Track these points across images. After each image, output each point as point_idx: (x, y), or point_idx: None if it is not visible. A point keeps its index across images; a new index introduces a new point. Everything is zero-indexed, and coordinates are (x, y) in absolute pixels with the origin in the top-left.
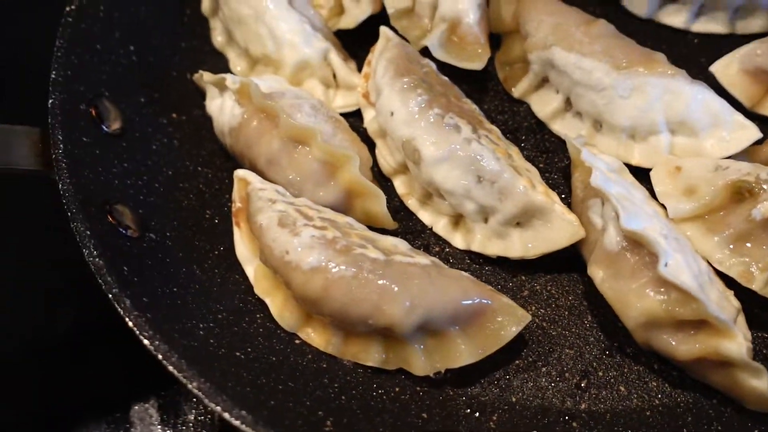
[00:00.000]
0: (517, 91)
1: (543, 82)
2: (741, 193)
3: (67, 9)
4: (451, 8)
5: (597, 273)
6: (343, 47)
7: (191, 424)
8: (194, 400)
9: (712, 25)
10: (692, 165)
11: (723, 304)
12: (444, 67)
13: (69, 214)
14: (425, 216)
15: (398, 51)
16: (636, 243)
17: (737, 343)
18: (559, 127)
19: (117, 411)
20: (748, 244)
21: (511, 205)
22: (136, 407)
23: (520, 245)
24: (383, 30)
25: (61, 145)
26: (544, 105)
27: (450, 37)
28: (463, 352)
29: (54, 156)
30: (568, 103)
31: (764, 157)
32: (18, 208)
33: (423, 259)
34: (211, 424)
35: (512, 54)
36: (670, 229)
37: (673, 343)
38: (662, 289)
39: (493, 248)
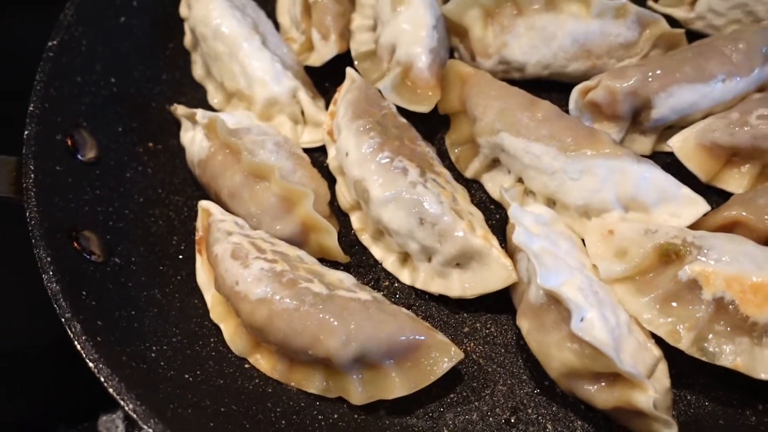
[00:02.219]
0: (469, 172)
1: (494, 162)
2: (669, 256)
3: (49, 44)
4: (406, 53)
5: (523, 324)
6: (314, 84)
7: None
8: None
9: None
10: (624, 228)
11: (640, 356)
12: (404, 110)
13: (33, 240)
14: (377, 251)
15: (359, 93)
16: (554, 298)
17: (647, 396)
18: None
19: (85, 421)
20: (674, 304)
21: (450, 247)
22: (104, 417)
23: (458, 285)
24: (349, 71)
25: (32, 175)
26: (497, 185)
27: (403, 80)
28: (397, 385)
29: (24, 185)
30: (520, 181)
31: (713, 225)
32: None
33: (365, 294)
34: None
35: (462, 135)
36: (591, 282)
37: (592, 391)
38: (578, 345)
39: (435, 286)
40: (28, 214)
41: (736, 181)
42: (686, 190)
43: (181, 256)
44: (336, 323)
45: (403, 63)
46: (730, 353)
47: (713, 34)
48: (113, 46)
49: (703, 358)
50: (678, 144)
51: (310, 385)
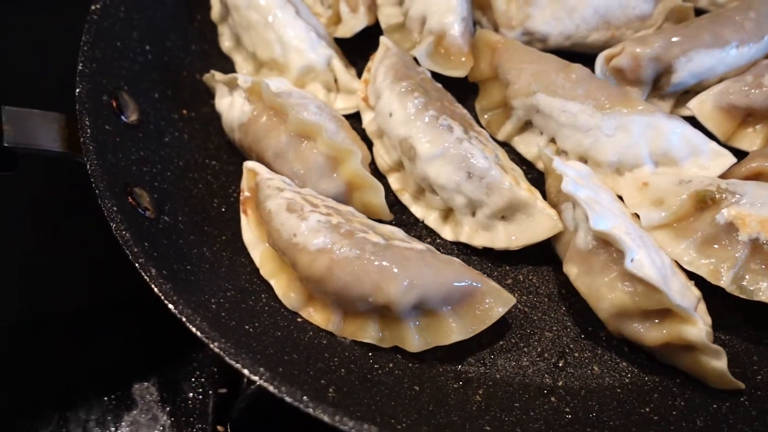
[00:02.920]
0: (501, 135)
1: (526, 125)
2: (705, 201)
3: (92, 8)
4: (438, 22)
5: (572, 270)
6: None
7: (189, 402)
8: (192, 379)
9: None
10: (658, 180)
11: (685, 293)
12: (436, 77)
13: (97, 191)
14: (417, 210)
15: (397, 59)
16: (604, 242)
17: (698, 328)
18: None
19: (119, 389)
20: (714, 246)
21: (497, 200)
22: (137, 386)
23: (504, 237)
24: (383, 40)
25: (89, 131)
26: (529, 146)
27: (437, 48)
28: (454, 331)
29: (82, 140)
30: (552, 142)
31: (738, 177)
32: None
33: (418, 245)
34: (207, 403)
35: (492, 100)
36: (635, 228)
37: (642, 330)
38: (629, 283)
39: (480, 239)
40: (89, 167)
41: (750, 139)
42: (713, 145)
43: (223, 218)
44: (396, 270)
45: (435, 32)
46: (767, 289)
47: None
48: (148, 15)
49: (743, 296)
50: (697, 106)
51: (365, 335)
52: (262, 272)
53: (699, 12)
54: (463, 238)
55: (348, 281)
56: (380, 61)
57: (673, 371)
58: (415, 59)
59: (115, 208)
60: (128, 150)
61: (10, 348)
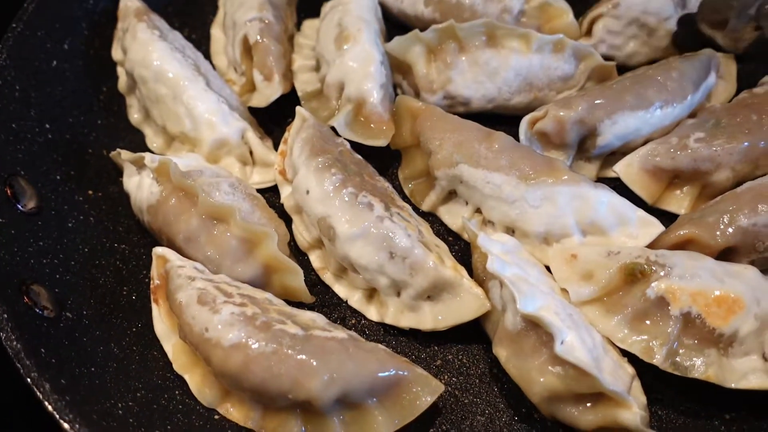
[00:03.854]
0: (425, 205)
1: (450, 194)
2: (634, 275)
3: None
4: (356, 89)
5: (501, 352)
6: (258, 124)
7: None
8: None
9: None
10: (586, 251)
11: (618, 374)
12: (358, 145)
13: None
14: (341, 290)
15: (313, 131)
16: (533, 324)
17: (632, 412)
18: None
19: None
20: (645, 322)
21: (421, 280)
22: None
23: (431, 318)
24: (299, 110)
25: None
26: (454, 217)
27: (356, 116)
28: (381, 424)
29: None
30: (478, 212)
31: (667, 245)
32: None
33: (340, 333)
34: None
35: (415, 169)
36: (564, 305)
37: (576, 414)
38: (560, 367)
39: (406, 321)
40: None
41: (678, 202)
42: (641, 213)
43: (133, 307)
44: (317, 364)
45: (354, 99)
46: (701, 365)
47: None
48: (47, 91)
49: (677, 372)
50: (623, 170)
51: (287, 431)
52: (175, 366)
53: (621, 68)
54: (388, 320)
55: (265, 377)
56: (297, 133)
57: None
58: (334, 129)
59: (5, 315)
60: (25, 242)
61: None
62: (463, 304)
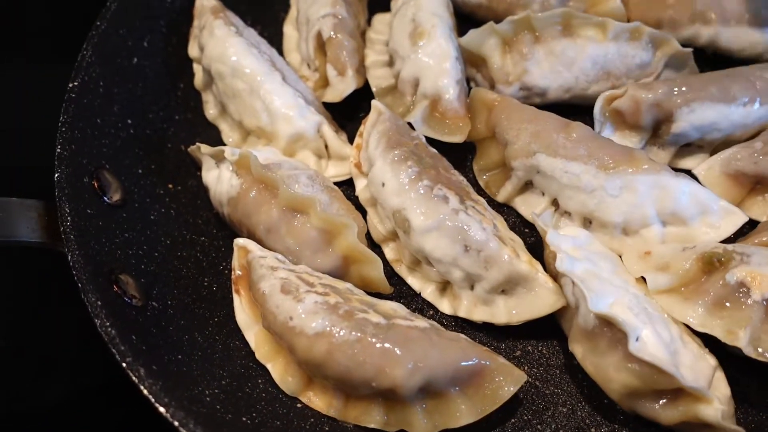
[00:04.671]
0: (500, 196)
1: (526, 185)
2: (712, 263)
3: (70, 85)
4: (432, 86)
5: (577, 349)
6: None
7: None
8: None
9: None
10: (661, 248)
11: (698, 367)
12: (431, 140)
13: (80, 285)
14: (414, 282)
15: (390, 124)
16: (607, 321)
17: (713, 408)
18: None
19: None
20: (728, 306)
21: (496, 273)
22: None
23: (504, 312)
24: (375, 104)
25: (69, 218)
26: (530, 207)
27: (432, 113)
28: (463, 412)
29: (62, 228)
30: (554, 204)
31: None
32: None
33: (422, 322)
34: None
35: (490, 160)
36: (639, 299)
37: (657, 409)
38: (637, 364)
39: (479, 314)
40: (70, 258)
41: (760, 208)
42: (724, 203)
43: (214, 298)
44: (400, 352)
45: (430, 95)
46: None
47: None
48: (128, 87)
49: (761, 358)
50: (704, 172)
51: (370, 419)
52: (257, 356)
53: (698, 54)
54: (461, 313)
55: (349, 366)
56: (373, 126)
57: None
58: (410, 124)
59: (99, 303)
60: (112, 233)
61: None
62: (538, 298)
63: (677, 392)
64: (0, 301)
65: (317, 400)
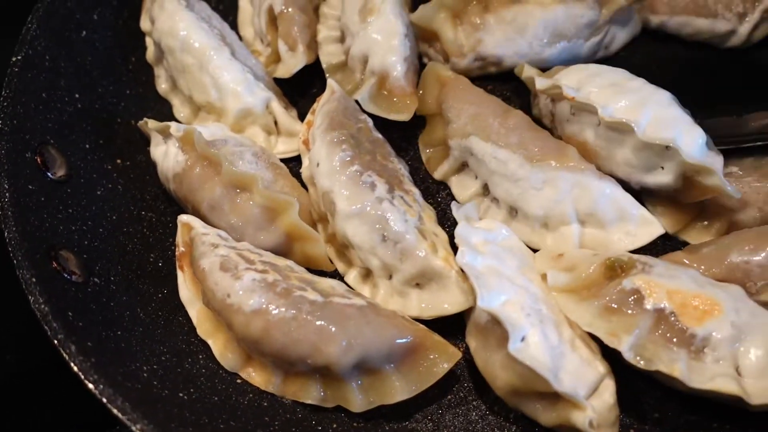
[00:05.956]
0: (438, 174)
1: (463, 166)
2: (614, 270)
3: (13, 59)
4: (380, 62)
5: (471, 343)
6: (284, 95)
7: None
8: None
9: None
10: (574, 252)
11: (581, 372)
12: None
13: (15, 261)
14: (339, 265)
15: (337, 104)
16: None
17: (584, 414)
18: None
19: None
20: (619, 311)
21: (410, 267)
22: None
23: (416, 305)
24: (330, 82)
25: (7, 194)
26: (463, 189)
27: (379, 90)
28: (398, 389)
29: (0, 204)
30: (486, 189)
31: None
32: None
33: (359, 300)
34: None
35: (434, 136)
36: (536, 300)
37: (537, 410)
38: (518, 364)
39: (394, 304)
40: (6, 234)
41: (699, 235)
42: (643, 211)
43: (159, 274)
44: (335, 330)
45: (378, 73)
46: (668, 360)
47: None
48: (77, 61)
49: (641, 364)
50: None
51: (307, 395)
52: (199, 332)
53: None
54: (378, 301)
55: (285, 343)
56: (322, 105)
57: None
58: (358, 103)
59: (34, 279)
60: (55, 209)
61: None
62: (449, 296)
63: (556, 395)
64: None
65: (256, 376)
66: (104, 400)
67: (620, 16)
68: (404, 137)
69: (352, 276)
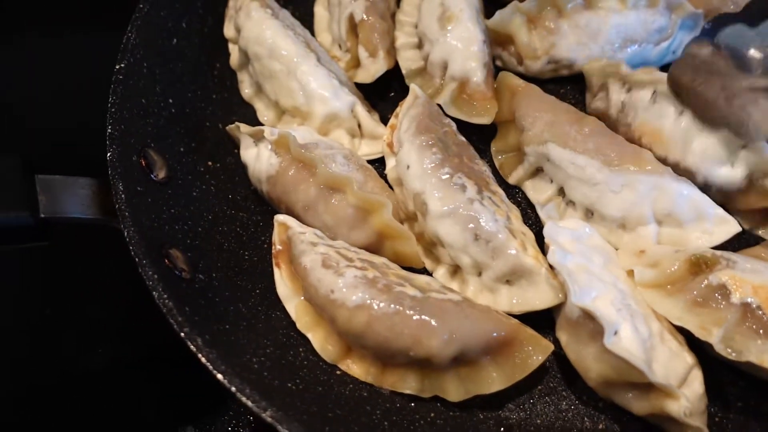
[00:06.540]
0: (512, 179)
1: (537, 171)
2: (699, 266)
3: (117, 67)
4: (460, 68)
5: (562, 337)
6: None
7: None
8: (229, 429)
9: None
10: (655, 248)
11: (672, 364)
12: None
13: (137, 259)
14: (428, 262)
15: (422, 109)
16: (590, 314)
17: (679, 404)
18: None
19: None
20: (706, 305)
21: (502, 264)
22: None
23: (506, 300)
24: (413, 87)
25: (123, 195)
26: (538, 192)
27: (460, 95)
28: (494, 379)
29: (117, 205)
30: (561, 192)
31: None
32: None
33: (455, 295)
34: None
35: (507, 143)
36: (624, 295)
37: (629, 399)
38: (612, 357)
39: (483, 300)
40: (126, 234)
41: None
42: (720, 210)
43: (255, 270)
44: (436, 324)
45: (458, 78)
46: (756, 351)
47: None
48: (168, 68)
49: (732, 356)
50: None
51: (405, 385)
52: (298, 326)
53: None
54: (468, 296)
55: (388, 336)
56: (407, 109)
57: None
58: (439, 106)
59: (156, 276)
60: (160, 210)
61: (54, 401)
62: (539, 292)
63: (648, 386)
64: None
65: (355, 368)
66: (233, 389)
67: (688, 22)
68: (471, 143)
69: (440, 273)
